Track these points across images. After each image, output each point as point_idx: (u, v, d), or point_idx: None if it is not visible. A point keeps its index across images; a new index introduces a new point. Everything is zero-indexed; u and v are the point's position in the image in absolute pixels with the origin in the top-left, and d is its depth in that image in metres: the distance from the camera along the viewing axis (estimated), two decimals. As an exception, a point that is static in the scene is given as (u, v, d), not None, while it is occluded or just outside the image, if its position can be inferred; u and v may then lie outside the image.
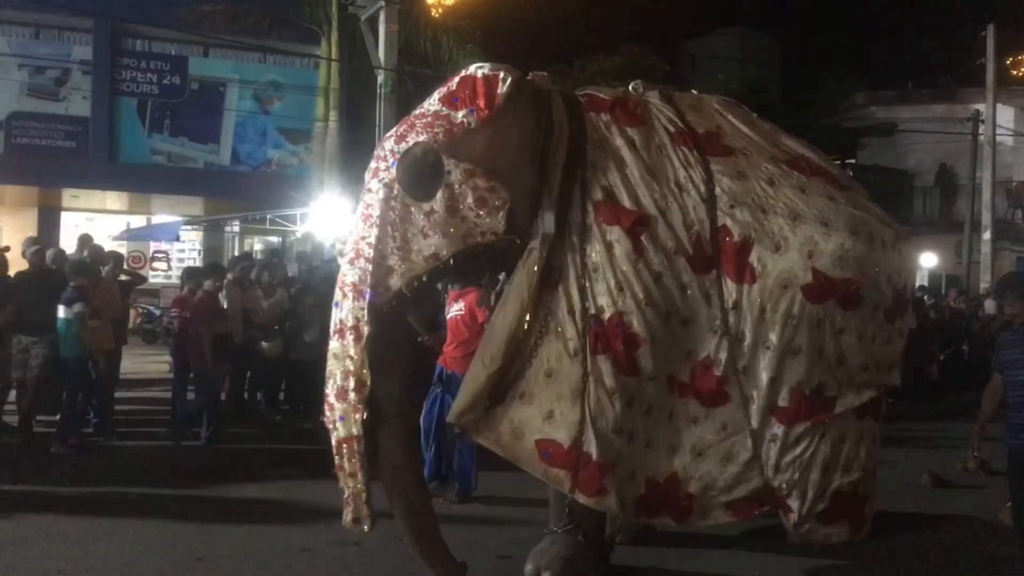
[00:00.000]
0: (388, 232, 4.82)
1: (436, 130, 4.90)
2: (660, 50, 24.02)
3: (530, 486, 5.53)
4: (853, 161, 25.43)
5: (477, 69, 5.01)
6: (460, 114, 4.89)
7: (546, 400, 4.88)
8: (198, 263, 16.70)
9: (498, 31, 18.31)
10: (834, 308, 5.17)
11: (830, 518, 5.39)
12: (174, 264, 19.26)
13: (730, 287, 5.10)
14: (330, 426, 4.80)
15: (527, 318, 4.87)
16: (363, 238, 4.87)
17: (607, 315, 4.90)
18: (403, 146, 4.92)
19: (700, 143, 5.31)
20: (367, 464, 4.77)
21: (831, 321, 5.17)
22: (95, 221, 18.25)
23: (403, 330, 5.32)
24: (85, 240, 9.70)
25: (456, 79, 5.02)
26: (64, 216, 18.54)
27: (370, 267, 4.79)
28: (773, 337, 5.10)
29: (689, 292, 5.06)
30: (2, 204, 18.27)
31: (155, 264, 19.47)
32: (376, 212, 4.86)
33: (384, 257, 4.80)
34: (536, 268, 4.87)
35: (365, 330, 4.76)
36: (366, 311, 4.77)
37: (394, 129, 5.14)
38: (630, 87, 5.69)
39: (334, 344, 4.81)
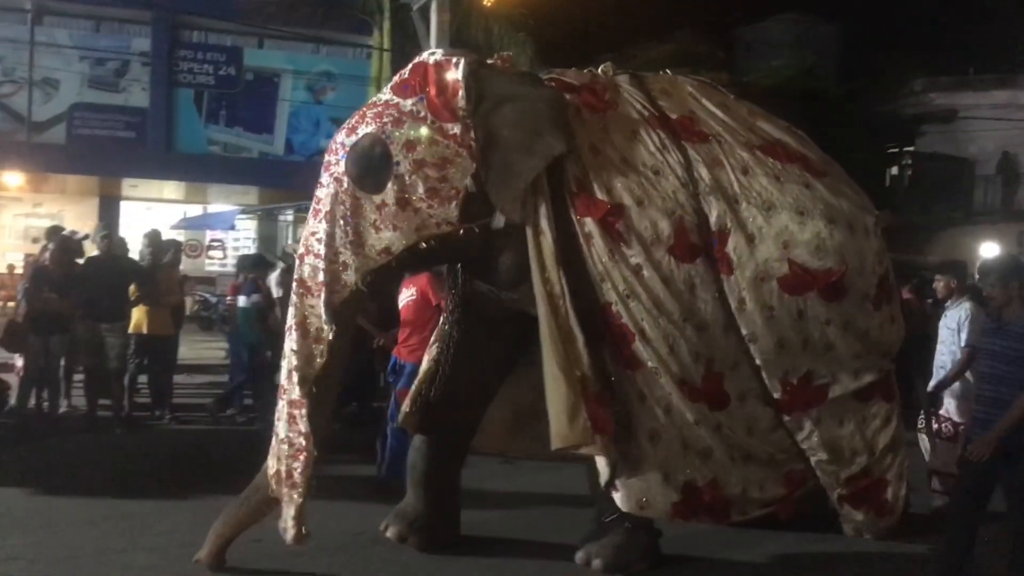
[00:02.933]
0: (339, 227, 4.74)
1: (385, 120, 4.81)
2: (714, 37, 23.68)
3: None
4: (912, 149, 24.91)
5: (430, 55, 4.92)
6: (409, 102, 4.80)
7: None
8: (253, 251, 16.97)
9: (549, 19, 18.21)
10: (815, 300, 5.01)
11: (854, 504, 5.34)
12: (229, 252, 19.59)
13: (712, 275, 4.95)
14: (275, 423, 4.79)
15: (561, 311, 4.71)
16: (313, 234, 4.82)
17: (598, 305, 4.82)
18: (353, 138, 4.85)
19: (673, 128, 5.12)
20: (314, 461, 4.67)
21: (814, 312, 5.03)
22: (153, 210, 18.63)
23: (349, 328, 5.04)
24: (153, 236, 9.96)
25: (409, 66, 4.93)
26: (124, 205, 18.94)
27: (321, 264, 4.73)
28: (756, 331, 4.97)
29: (672, 286, 4.86)
30: (64, 193, 18.71)
31: (211, 252, 19.84)
32: (327, 207, 4.79)
33: (337, 253, 4.74)
34: (552, 259, 4.70)
35: (313, 327, 4.73)
36: (316, 308, 4.72)
37: (347, 121, 5.04)
38: (599, 69, 5.48)
39: (286, 340, 4.81)
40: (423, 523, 5.31)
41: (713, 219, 4.94)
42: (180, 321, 9.88)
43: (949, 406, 6.40)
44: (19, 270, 13.67)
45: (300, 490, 4.67)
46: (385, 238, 4.72)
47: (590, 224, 4.80)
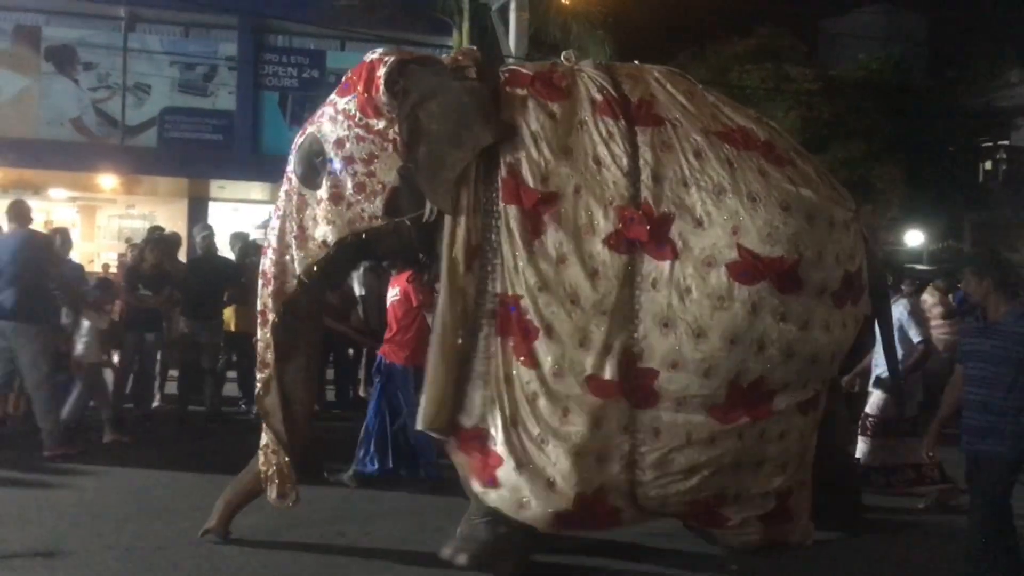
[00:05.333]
0: (288, 222, 5.02)
1: (323, 118, 5.03)
2: (797, 30, 23.20)
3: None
4: (1007, 143, 24.01)
5: (371, 53, 5.01)
6: (344, 100, 4.97)
7: (462, 382, 4.76)
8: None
9: (628, 17, 18.09)
10: (769, 290, 4.69)
11: (777, 520, 5.05)
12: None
13: (649, 266, 4.71)
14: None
15: (460, 304, 4.72)
16: (272, 229, 5.15)
17: (508, 297, 4.74)
18: (300, 138, 5.14)
19: (630, 112, 4.95)
20: (286, 439, 5.02)
21: (769, 306, 4.70)
22: (240, 211, 19.07)
23: (308, 317, 5.21)
24: (241, 237, 10.27)
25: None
26: (212, 206, 19.44)
27: (274, 257, 5.03)
28: (704, 324, 4.65)
29: (602, 277, 4.67)
30: (155, 195, 19.30)
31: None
32: (282, 204, 5.10)
33: (287, 246, 5.00)
34: (464, 248, 4.72)
35: (269, 316, 5.04)
36: (271, 299, 5.02)
37: None
38: (562, 56, 5.40)
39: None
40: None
41: (655, 205, 4.75)
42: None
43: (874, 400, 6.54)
44: (113, 269, 14.16)
45: (281, 456, 5.05)
46: (322, 232, 4.92)
47: (515, 212, 4.73)
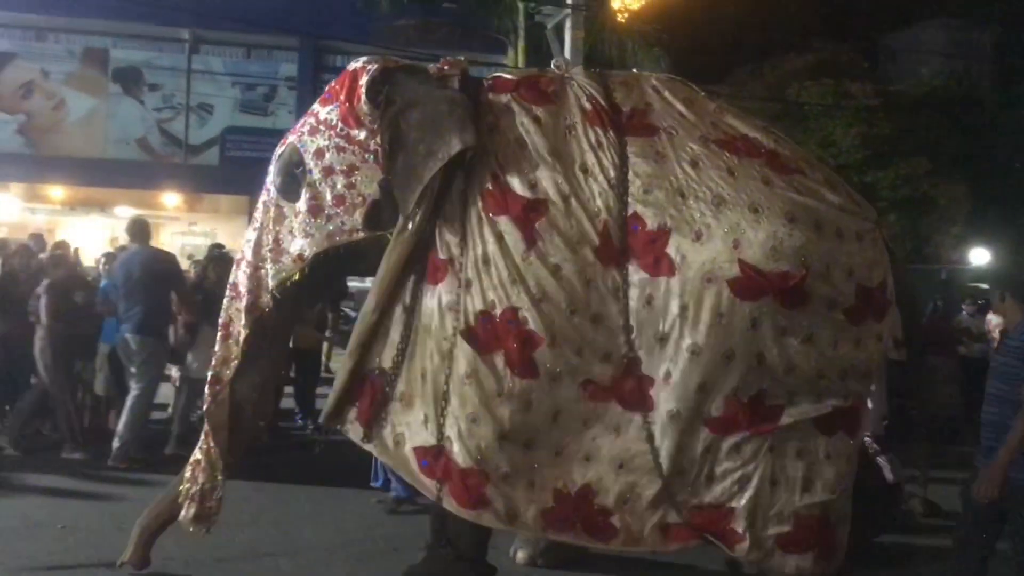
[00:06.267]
0: (264, 234, 4.87)
1: (303, 129, 4.89)
2: (857, 45, 22.89)
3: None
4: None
5: (354, 62, 4.87)
6: (325, 110, 4.83)
7: (421, 403, 4.52)
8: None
9: (684, 34, 18.03)
10: (772, 306, 4.39)
11: (794, 545, 4.54)
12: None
13: (643, 281, 4.47)
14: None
15: (389, 311, 4.58)
16: (247, 241, 4.98)
17: (498, 311, 4.45)
18: (280, 149, 5.00)
19: (621, 122, 4.71)
20: (216, 461, 4.85)
21: (771, 321, 4.40)
22: (298, 228, 19.37)
23: (275, 335, 5.05)
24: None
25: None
26: (271, 223, 19.76)
27: (247, 269, 4.87)
28: (699, 340, 4.39)
29: (596, 287, 4.48)
30: (218, 212, 19.70)
31: (352, 268, 20.44)
32: (259, 215, 4.95)
33: (262, 260, 4.85)
34: (397, 260, 4.55)
35: (234, 330, 4.88)
36: (241, 313, 4.86)
37: None
38: (552, 64, 5.24)
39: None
40: (549, 543, 5.27)
41: (649, 219, 4.50)
42: (322, 335, 10.22)
43: None
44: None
45: (207, 478, 4.88)
46: (299, 245, 4.76)
47: (504, 222, 4.51)
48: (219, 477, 4.88)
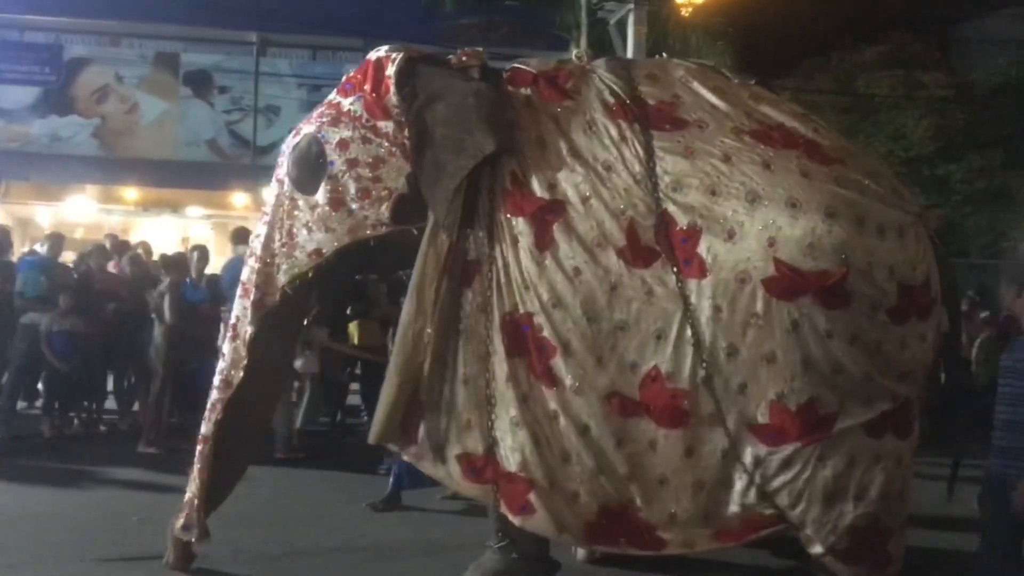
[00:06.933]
0: (276, 228, 4.70)
1: (323, 119, 4.73)
2: (929, 36, 22.27)
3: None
4: None
5: (375, 52, 4.74)
6: (348, 101, 4.70)
7: (465, 409, 4.42)
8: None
9: (749, 26, 17.75)
10: (812, 307, 4.18)
11: (850, 557, 4.36)
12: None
13: (676, 282, 4.29)
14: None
15: (432, 317, 4.39)
16: (257, 236, 4.82)
17: (519, 314, 4.37)
18: (296, 140, 4.81)
19: (647, 116, 4.52)
20: (210, 470, 4.71)
21: (811, 323, 4.18)
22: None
23: (284, 336, 4.99)
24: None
25: (360, 65, 4.80)
26: (336, 221, 20.03)
27: (256, 265, 4.71)
28: (736, 342, 4.22)
29: (620, 292, 4.29)
30: (285, 211, 19.99)
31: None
32: (269, 209, 4.78)
33: (272, 255, 4.69)
34: (435, 262, 4.39)
35: (242, 329, 4.70)
36: (250, 310, 4.70)
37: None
38: (573, 56, 5.01)
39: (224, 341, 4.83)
40: None
41: (679, 217, 4.32)
42: (388, 332, 10.33)
43: None
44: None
45: (199, 487, 4.76)
46: (316, 239, 4.64)
47: (520, 224, 4.39)
48: (204, 490, 4.77)
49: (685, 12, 15.86)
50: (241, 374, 4.72)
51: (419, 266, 4.44)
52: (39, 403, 9.21)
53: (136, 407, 9.42)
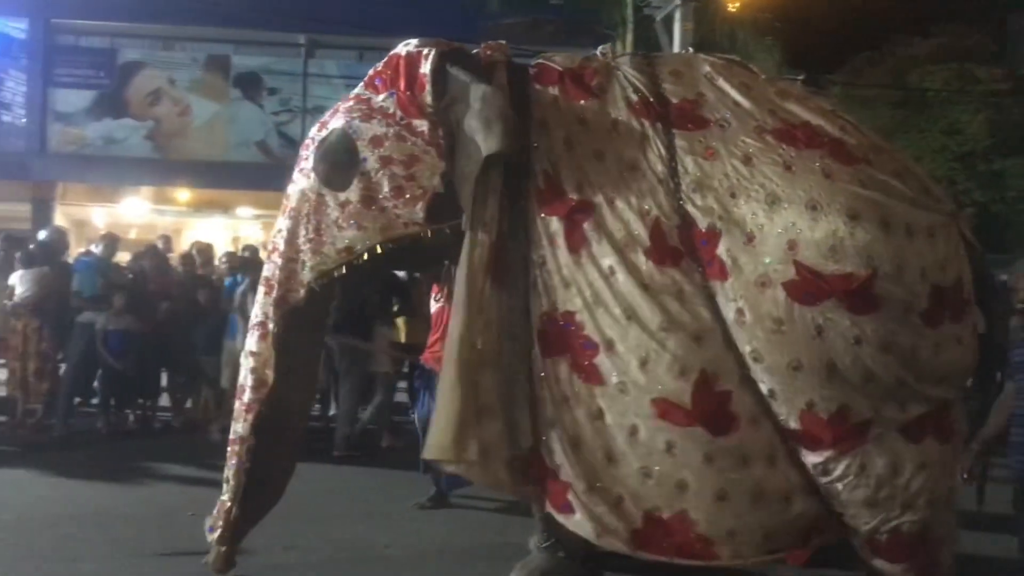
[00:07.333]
0: (302, 224, 4.61)
1: (354, 115, 4.63)
2: (984, 28, 21.79)
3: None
4: None
5: (403, 47, 4.67)
6: (380, 97, 4.62)
7: (509, 410, 4.30)
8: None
9: (798, 21, 17.53)
10: (837, 311, 4.05)
11: (891, 556, 4.26)
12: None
13: (705, 282, 4.21)
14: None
15: (480, 322, 4.26)
16: (279, 231, 4.71)
17: (559, 312, 4.29)
18: (323, 134, 4.72)
19: (669, 115, 4.45)
20: (244, 472, 4.63)
21: (836, 328, 4.05)
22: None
23: (312, 331, 4.91)
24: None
25: (384, 59, 4.73)
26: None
27: (279, 261, 4.63)
28: (760, 347, 4.12)
29: (654, 293, 4.21)
30: (332, 211, 20.19)
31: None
32: (293, 203, 4.69)
33: (297, 251, 4.61)
34: (482, 265, 4.27)
35: (271, 327, 4.62)
36: (272, 308, 4.62)
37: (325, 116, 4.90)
38: (598, 51, 4.92)
39: (248, 340, 4.74)
40: None
41: (700, 218, 4.25)
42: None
43: None
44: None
45: (225, 494, 4.71)
46: (347, 237, 4.53)
47: (555, 223, 4.35)
48: (235, 494, 4.70)
49: (732, 7, 15.73)
50: (272, 374, 4.68)
51: (464, 275, 4.34)
52: (95, 400, 9.41)
53: (189, 404, 9.60)
